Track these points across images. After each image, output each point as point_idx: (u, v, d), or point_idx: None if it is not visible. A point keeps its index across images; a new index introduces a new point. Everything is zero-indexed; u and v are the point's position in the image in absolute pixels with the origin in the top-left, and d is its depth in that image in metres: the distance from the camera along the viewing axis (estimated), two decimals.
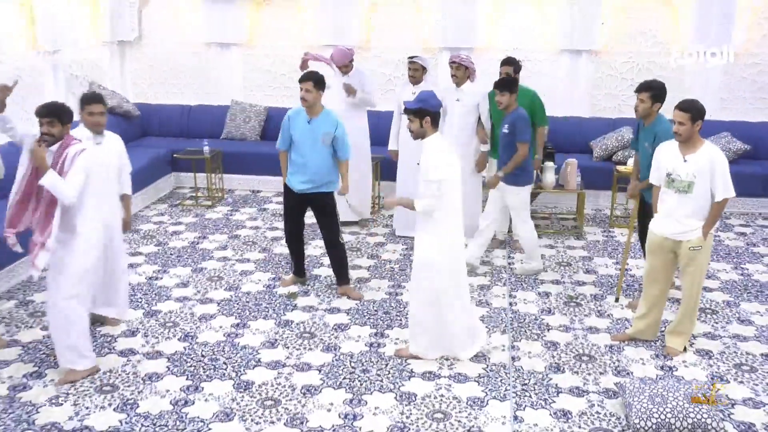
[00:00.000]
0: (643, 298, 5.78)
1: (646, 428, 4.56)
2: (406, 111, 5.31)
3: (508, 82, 6.86)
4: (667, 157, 5.39)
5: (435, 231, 5.32)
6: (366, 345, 5.75)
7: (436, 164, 5.17)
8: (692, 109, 5.18)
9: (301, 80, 6.33)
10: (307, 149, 6.36)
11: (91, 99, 5.46)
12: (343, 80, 7.97)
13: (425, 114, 5.22)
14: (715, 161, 5.18)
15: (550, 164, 8.18)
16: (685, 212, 5.30)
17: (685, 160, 5.25)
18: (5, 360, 5.48)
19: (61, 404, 4.91)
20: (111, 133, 5.65)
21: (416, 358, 5.52)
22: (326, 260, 7.10)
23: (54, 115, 5.10)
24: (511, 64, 7.49)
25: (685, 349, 5.67)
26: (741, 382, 5.27)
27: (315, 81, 6.30)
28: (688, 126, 5.18)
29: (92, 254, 5.27)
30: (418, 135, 5.31)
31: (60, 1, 9.05)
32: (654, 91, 6.02)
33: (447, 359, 5.52)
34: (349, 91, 7.95)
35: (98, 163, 5.40)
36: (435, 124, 5.28)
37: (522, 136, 6.81)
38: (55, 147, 5.06)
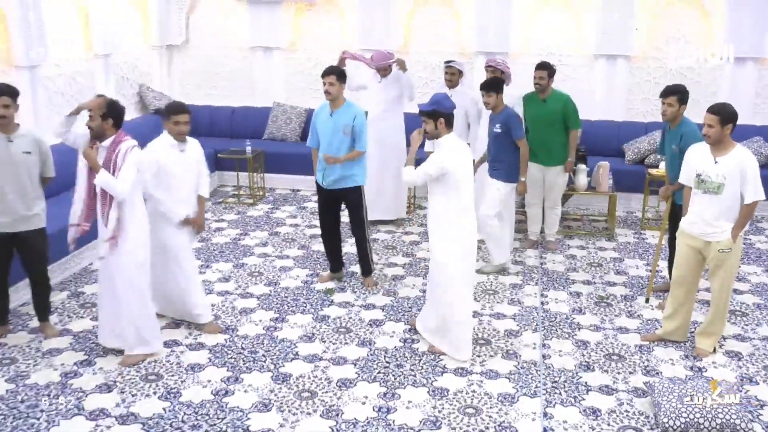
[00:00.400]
0: (670, 299, 5.71)
1: (675, 427, 4.50)
2: (421, 113, 5.32)
3: (493, 83, 6.82)
4: (697, 158, 5.31)
5: (440, 228, 5.33)
6: (400, 341, 5.75)
7: (441, 163, 5.17)
8: (722, 112, 5.10)
9: (324, 74, 6.40)
10: (329, 142, 6.43)
11: (178, 109, 5.54)
12: (390, 74, 7.99)
13: (439, 115, 5.24)
14: (746, 164, 5.10)
15: (582, 167, 8.09)
16: (714, 214, 5.21)
17: (716, 162, 5.17)
18: (58, 348, 5.59)
19: (109, 391, 4.99)
20: (191, 138, 5.73)
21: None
22: None
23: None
24: (545, 68, 7.42)
25: (714, 350, 5.58)
26: None
27: (337, 74, 6.38)
28: (717, 129, 5.10)
29: (142, 251, 5.32)
30: (433, 135, 5.34)
31: (112, 7, 9.20)
32: (680, 94, 6.05)
33: (479, 356, 5.51)
34: (402, 66, 7.98)
35: (183, 169, 5.56)
36: (449, 124, 5.30)
37: (517, 133, 6.78)
38: (107, 143, 5.13)
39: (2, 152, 5.33)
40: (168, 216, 5.55)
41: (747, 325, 6.11)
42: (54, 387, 5.04)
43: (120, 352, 5.42)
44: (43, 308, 5.79)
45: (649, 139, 9.23)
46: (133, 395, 4.94)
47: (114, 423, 4.62)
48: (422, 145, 8.11)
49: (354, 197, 6.59)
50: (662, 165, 7.92)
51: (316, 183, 6.66)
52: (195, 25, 10.84)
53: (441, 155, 5.22)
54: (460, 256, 5.35)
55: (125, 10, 9.70)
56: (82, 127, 5.26)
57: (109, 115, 5.13)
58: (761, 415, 4.79)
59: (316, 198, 9.28)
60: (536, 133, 7.51)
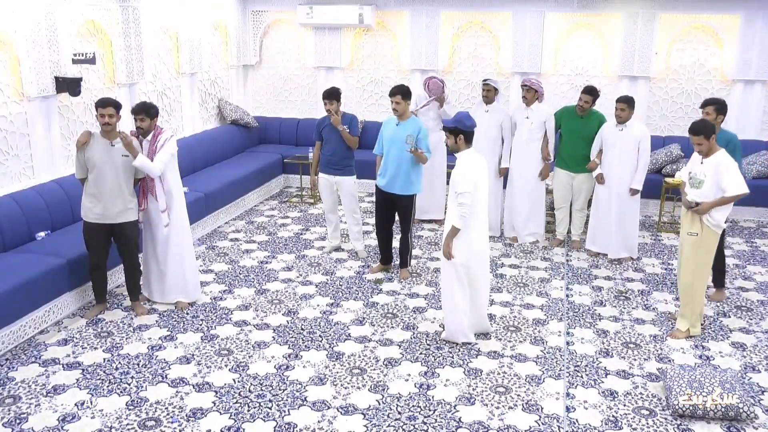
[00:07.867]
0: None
1: (684, 409, 4.39)
2: (444, 129, 5.25)
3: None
4: (692, 160, 5.52)
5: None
6: (440, 326, 5.70)
7: (465, 178, 5.06)
8: (705, 131, 5.24)
9: (392, 94, 6.45)
10: (392, 149, 6.43)
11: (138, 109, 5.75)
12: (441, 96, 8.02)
13: (459, 132, 5.14)
14: (721, 164, 5.26)
15: None
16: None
17: (701, 163, 5.36)
18: (146, 324, 5.69)
19: (188, 363, 5.07)
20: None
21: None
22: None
23: (143, 111, 5.63)
24: (591, 93, 7.20)
25: (689, 332, 5.49)
26: None
27: (403, 93, 6.43)
28: (705, 144, 5.26)
29: (185, 217, 6.01)
30: (453, 150, 5.24)
31: (198, 33, 9.34)
32: (718, 105, 6.04)
33: (509, 341, 5.44)
34: (440, 101, 7.97)
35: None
36: (468, 141, 5.19)
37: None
38: (149, 137, 5.66)
39: (106, 155, 5.46)
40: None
41: (752, 319, 5.91)
42: (142, 357, 5.14)
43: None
44: (134, 289, 5.91)
45: (666, 151, 8.99)
46: (207, 367, 5.01)
47: (191, 390, 4.69)
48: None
49: (407, 203, 6.56)
50: (678, 174, 7.72)
51: (376, 186, 6.66)
52: (267, 47, 10.94)
53: (460, 171, 5.10)
54: (471, 253, 5.22)
55: (209, 34, 9.83)
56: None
57: (155, 115, 5.72)
58: (762, 400, 4.63)
59: (369, 199, 9.34)
60: (569, 144, 7.40)
